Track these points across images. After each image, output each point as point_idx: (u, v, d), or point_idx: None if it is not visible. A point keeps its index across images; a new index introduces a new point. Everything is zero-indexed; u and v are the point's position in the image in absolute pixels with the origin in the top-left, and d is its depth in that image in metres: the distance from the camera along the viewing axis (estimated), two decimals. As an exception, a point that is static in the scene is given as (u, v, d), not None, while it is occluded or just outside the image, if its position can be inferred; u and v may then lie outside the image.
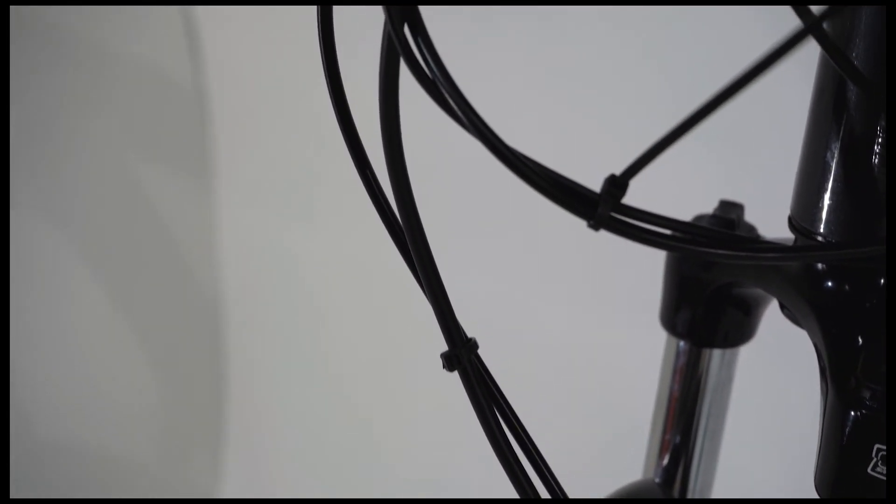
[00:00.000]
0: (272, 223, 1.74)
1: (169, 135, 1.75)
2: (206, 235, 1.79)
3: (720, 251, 0.55)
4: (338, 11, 0.57)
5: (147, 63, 1.68)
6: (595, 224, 0.50)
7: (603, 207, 0.50)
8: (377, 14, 0.51)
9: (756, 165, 1.24)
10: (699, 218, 0.77)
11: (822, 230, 0.63)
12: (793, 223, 0.65)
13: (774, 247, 0.59)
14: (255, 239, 1.77)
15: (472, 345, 0.58)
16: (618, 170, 0.50)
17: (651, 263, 0.84)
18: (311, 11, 0.58)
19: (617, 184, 0.50)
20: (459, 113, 0.49)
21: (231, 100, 1.71)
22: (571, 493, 0.61)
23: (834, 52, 0.55)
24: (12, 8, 1.50)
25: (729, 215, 0.74)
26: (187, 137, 1.74)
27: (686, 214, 0.78)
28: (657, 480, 0.85)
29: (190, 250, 1.80)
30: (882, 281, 0.64)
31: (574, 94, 1.38)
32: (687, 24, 1.26)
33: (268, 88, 1.67)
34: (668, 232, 0.53)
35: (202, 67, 1.70)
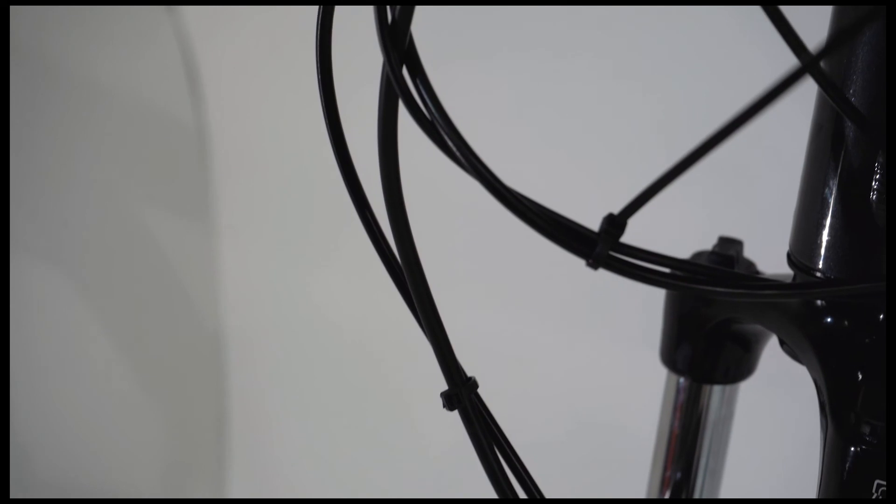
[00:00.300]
0: (273, 260, 1.74)
1: (169, 173, 1.75)
2: (208, 272, 1.79)
3: (719, 289, 0.56)
4: (336, 57, 0.58)
5: (146, 101, 1.69)
6: (593, 263, 0.51)
7: (601, 246, 0.50)
8: (376, 58, 0.51)
9: (756, 201, 1.24)
10: (698, 255, 0.77)
11: (820, 266, 0.63)
12: (791, 259, 0.66)
13: (772, 284, 0.59)
14: (256, 276, 1.78)
15: (471, 384, 0.58)
16: (616, 208, 0.50)
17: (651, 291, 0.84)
18: (313, 46, 0.58)
19: (615, 223, 0.50)
20: (458, 154, 0.50)
21: (231, 137, 1.71)
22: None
23: (831, 90, 0.55)
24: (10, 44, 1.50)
25: (728, 252, 0.74)
26: (188, 175, 1.74)
27: (685, 251, 0.79)
28: (658, 517, 0.85)
29: (191, 287, 1.80)
30: (881, 317, 0.64)
31: (572, 129, 1.38)
32: (689, 60, 1.27)
33: (268, 126, 1.67)
34: (666, 270, 0.53)
35: (202, 105, 1.70)
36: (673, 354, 0.79)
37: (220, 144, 1.72)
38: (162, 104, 1.70)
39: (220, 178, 1.74)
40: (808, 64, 0.45)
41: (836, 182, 0.62)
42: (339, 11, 0.58)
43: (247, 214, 1.76)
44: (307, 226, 1.70)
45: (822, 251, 0.63)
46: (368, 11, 0.51)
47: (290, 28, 1.56)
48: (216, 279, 1.80)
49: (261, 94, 1.67)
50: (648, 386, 0.93)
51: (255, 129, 1.69)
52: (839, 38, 0.43)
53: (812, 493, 0.65)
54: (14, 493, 1.65)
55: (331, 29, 0.57)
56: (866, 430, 0.61)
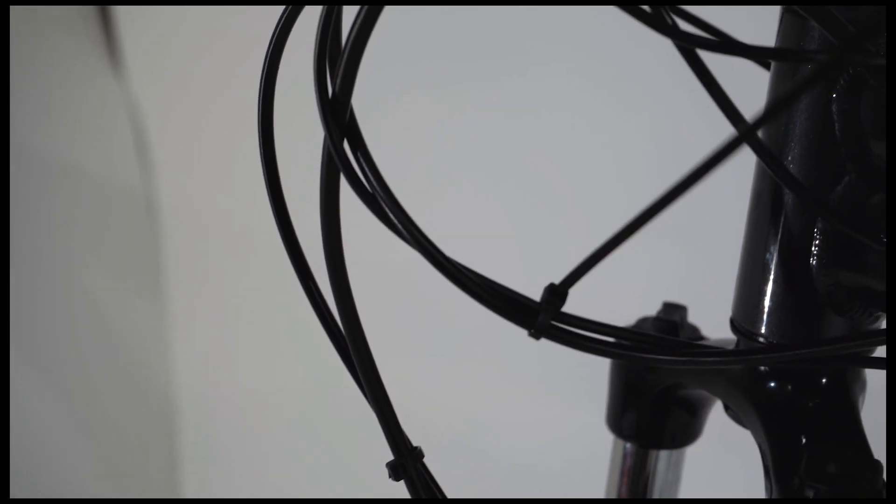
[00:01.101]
0: (224, 329, 1.74)
1: (119, 242, 1.74)
2: (159, 341, 1.79)
3: (661, 357, 0.56)
4: (280, 127, 0.58)
5: (94, 170, 1.68)
6: (536, 333, 0.51)
7: (543, 316, 0.50)
8: (316, 126, 0.51)
9: (704, 264, 1.25)
10: (643, 321, 0.78)
11: (763, 332, 0.64)
12: (734, 325, 0.66)
13: (715, 351, 0.59)
14: (207, 345, 1.77)
15: (417, 453, 0.58)
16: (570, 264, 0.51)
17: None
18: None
19: (556, 293, 0.50)
20: (400, 227, 0.50)
21: (181, 206, 1.71)
22: None
23: (769, 159, 0.56)
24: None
25: (672, 317, 0.75)
26: (137, 244, 1.74)
27: (632, 313, 0.79)
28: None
29: (142, 357, 1.79)
30: (824, 380, 0.65)
31: (522, 174, 1.38)
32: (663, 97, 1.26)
33: (218, 195, 1.67)
34: (609, 339, 0.54)
35: (151, 174, 1.70)
36: (619, 420, 0.80)
37: (169, 213, 1.72)
38: (111, 173, 1.70)
39: (169, 247, 1.74)
40: (745, 133, 0.46)
41: (776, 248, 0.63)
42: (284, 86, 0.58)
43: (197, 284, 1.76)
44: (257, 294, 1.69)
45: (765, 317, 0.64)
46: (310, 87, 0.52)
47: (239, 95, 1.57)
48: (167, 348, 1.80)
49: (210, 162, 1.67)
50: (601, 446, 0.93)
51: (205, 197, 1.69)
52: (776, 106, 0.43)
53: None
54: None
55: (272, 102, 0.57)
56: (810, 493, 0.62)
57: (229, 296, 1.73)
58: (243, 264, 1.69)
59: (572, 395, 1.40)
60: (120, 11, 1.65)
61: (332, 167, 0.51)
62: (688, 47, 0.50)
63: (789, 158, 0.61)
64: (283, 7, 0.55)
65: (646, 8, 0.48)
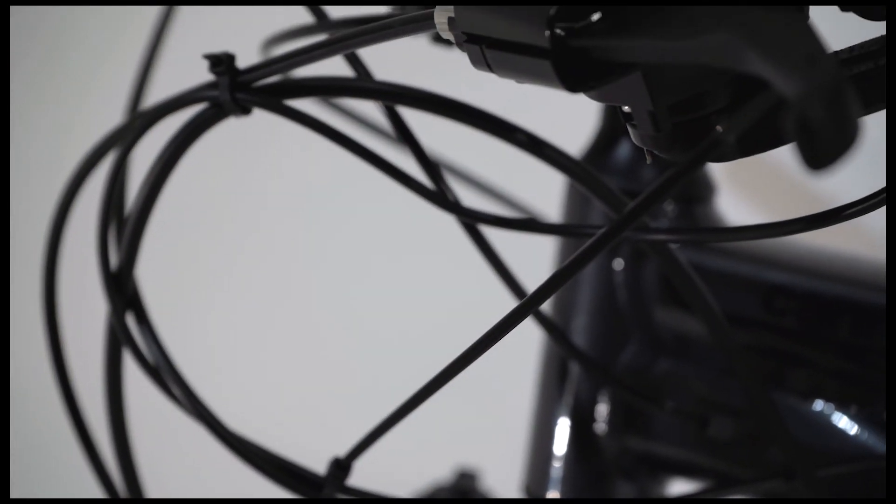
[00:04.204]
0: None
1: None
2: None
3: (447, 528, 0.56)
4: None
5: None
6: (321, 505, 0.51)
7: (328, 490, 0.50)
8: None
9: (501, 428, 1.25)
10: (438, 490, 0.78)
11: (552, 497, 0.64)
12: (527, 490, 0.67)
13: (500, 521, 0.60)
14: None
15: None
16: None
17: None
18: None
19: (341, 465, 0.50)
20: (182, 399, 0.50)
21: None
22: None
23: (552, 331, 0.56)
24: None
25: (463, 485, 0.75)
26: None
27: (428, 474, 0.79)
28: None
29: None
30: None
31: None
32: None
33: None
34: (395, 511, 0.54)
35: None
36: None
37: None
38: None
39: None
40: (527, 305, 0.46)
41: (564, 415, 0.64)
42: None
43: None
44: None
45: (554, 483, 0.64)
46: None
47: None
48: None
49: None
50: None
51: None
52: (554, 281, 0.44)
53: None
54: None
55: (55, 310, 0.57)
56: None
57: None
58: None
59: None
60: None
61: (115, 340, 0.51)
62: (470, 223, 0.51)
63: (575, 327, 0.62)
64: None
65: (429, 185, 0.49)
